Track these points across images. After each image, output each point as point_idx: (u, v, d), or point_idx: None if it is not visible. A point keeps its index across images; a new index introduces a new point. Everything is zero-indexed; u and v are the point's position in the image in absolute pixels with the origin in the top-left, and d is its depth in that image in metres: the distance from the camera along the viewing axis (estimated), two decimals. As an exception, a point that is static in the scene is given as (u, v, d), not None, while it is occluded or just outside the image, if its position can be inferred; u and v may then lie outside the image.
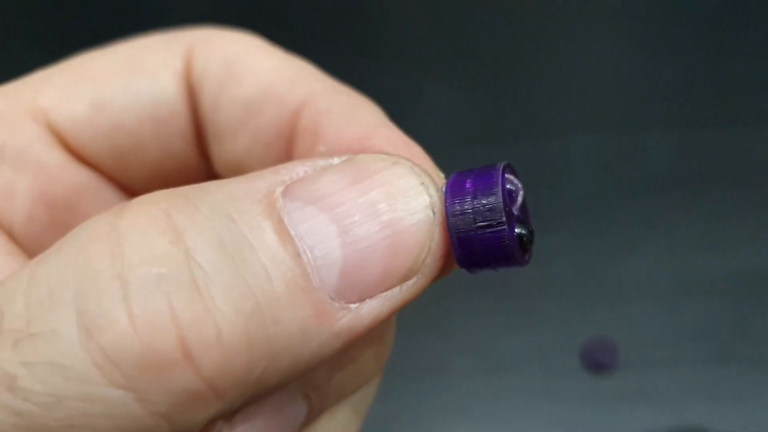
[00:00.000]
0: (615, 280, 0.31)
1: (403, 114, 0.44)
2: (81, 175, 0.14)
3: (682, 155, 0.39)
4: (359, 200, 0.10)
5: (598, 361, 0.29)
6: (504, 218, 0.11)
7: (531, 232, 0.12)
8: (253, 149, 0.14)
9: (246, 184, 0.10)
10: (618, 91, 0.44)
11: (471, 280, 0.32)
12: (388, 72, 0.46)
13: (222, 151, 0.14)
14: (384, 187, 0.10)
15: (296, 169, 0.11)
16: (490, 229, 0.11)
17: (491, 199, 0.11)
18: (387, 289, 0.10)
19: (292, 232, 0.10)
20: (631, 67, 0.46)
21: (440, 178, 0.12)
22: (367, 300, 0.10)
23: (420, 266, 0.11)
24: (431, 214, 0.11)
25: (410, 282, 0.11)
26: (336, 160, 0.11)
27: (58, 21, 0.56)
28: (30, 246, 0.13)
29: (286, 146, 0.13)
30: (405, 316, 0.31)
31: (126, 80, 0.14)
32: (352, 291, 0.10)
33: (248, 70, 0.13)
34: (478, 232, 0.11)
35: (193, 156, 0.14)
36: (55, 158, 0.13)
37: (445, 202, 0.11)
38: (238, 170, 0.14)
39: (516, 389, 0.29)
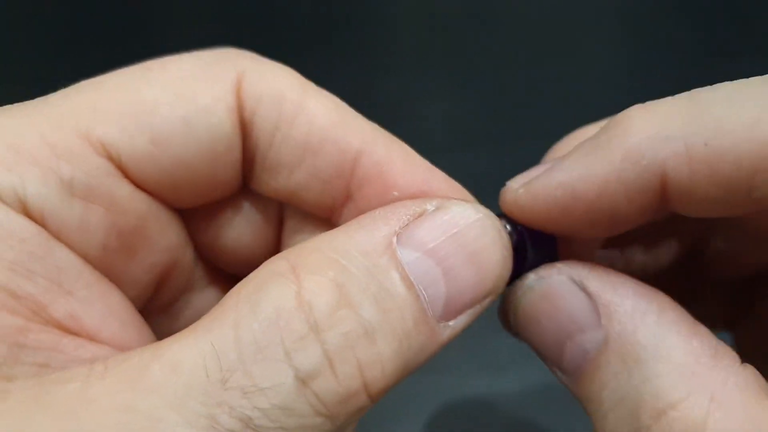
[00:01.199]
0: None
1: (402, 117, 0.45)
2: (144, 204, 0.15)
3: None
4: (457, 248, 0.14)
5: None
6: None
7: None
8: (310, 185, 0.16)
9: (368, 237, 0.14)
10: (615, 92, 0.44)
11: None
12: (387, 75, 0.46)
13: (275, 182, 0.16)
14: (473, 237, 0.14)
15: (401, 217, 0.14)
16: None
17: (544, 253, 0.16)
18: (473, 307, 0.14)
19: (412, 278, 0.13)
20: (629, 69, 0.46)
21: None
22: (460, 316, 0.14)
23: (494, 288, 0.15)
24: (506, 254, 0.15)
25: (487, 300, 0.15)
26: (429, 207, 0.14)
27: (62, 25, 0.56)
28: (104, 270, 0.15)
29: (344, 185, 0.16)
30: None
31: (183, 115, 0.14)
32: (452, 313, 0.14)
33: (300, 112, 0.15)
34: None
35: (237, 181, 0.16)
36: (123, 191, 0.14)
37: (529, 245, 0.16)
38: (290, 198, 0.16)
39: (514, 387, 0.29)
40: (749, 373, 0.14)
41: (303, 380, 0.12)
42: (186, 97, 0.15)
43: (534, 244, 0.16)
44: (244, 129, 0.15)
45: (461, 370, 0.30)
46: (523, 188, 0.16)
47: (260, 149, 0.15)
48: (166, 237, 0.16)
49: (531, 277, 0.16)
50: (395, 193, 0.16)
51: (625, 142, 0.15)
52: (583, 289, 0.15)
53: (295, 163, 0.15)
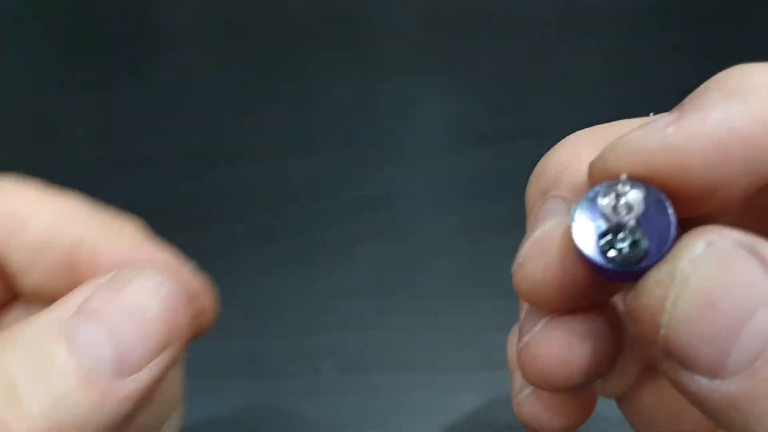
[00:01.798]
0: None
1: (402, 117, 0.45)
2: None
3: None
4: (118, 306, 0.15)
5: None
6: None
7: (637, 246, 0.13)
8: (48, 282, 0.18)
9: (47, 315, 0.15)
10: (613, 93, 0.44)
11: (465, 279, 0.33)
12: (389, 80, 0.46)
13: (23, 283, 0.18)
14: (133, 295, 0.15)
15: (81, 293, 0.15)
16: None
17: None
18: (150, 361, 0.15)
19: (78, 342, 0.14)
20: (625, 71, 0.46)
21: (187, 270, 0.18)
22: (141, 371, 0.14)
23: (174, 336, 0.15)
24: (169, 302, 0.15)
25: (165, 353, 0.15)
26: (106, 277, 0.15)
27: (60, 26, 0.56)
28: None
29: (72, 276, 0.18)
30: (401, 314, 0.32)
31: None
32: (127, 369, 0.14)
33: (29, 217, 0.17)
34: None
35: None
36: None
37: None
38: (41, 297, 0.18)
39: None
40: None
41: None
42: None
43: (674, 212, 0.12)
44: None
45: (460, 369, 0.30)
46: (673, 128, 0.13)
47: (2, 258, 0.17)
48: None
49: (699, 246, 0.12)
50: (102, 274, 0.17)
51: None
52: (755, 253, 0.11)
53: (29, 265, 0.17)
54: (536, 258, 0.13)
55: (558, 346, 0.14)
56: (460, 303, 0.32)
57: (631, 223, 0.12)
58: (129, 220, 0.18)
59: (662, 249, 0.12)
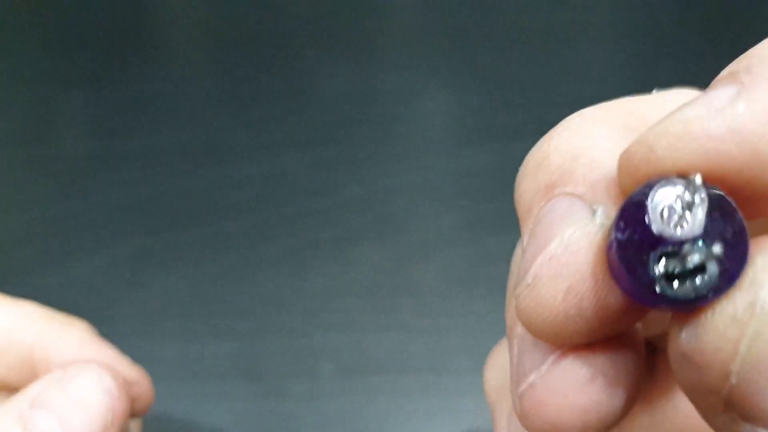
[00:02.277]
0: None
1: (404, 114, 0.44)
2: None
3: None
4: (67, 398, 0.18)
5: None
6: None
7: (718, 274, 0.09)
8: (10, 376, 0.20)
9: (7, 406, 0.18)
10: (618, 89, 0.44)
11: (466, 278, 0.33)
12: (388, 73, 0.46)
13: None
14: (78, 387, 0.18)
15: (36, 388, 0.18)
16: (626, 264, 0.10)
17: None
18: None
19: (33, 429, 0.17)
20: (627, 68, 0.46)
21: (130, 368, 0.21)
22: None
23: (111, 424, 0.18)
24: (102, 394, 0.18)
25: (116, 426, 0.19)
26: (59, 373, 0.18)
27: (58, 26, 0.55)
28: None
29: (31, 371, 0.20)
30: (400, 315, 0.31)
31: None
32: None
33: None
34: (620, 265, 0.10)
35: None
36: None
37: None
38: (6, 387, 0.21)
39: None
40: None
41: None
42: None
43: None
44: None
45: (461, 370, 0.30)
46: (743, 103, 0.09)
47: None
48: None
49: None
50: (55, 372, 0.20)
51: None
52: None
53: None
54: (554, 280, 0.10)
55: (576, 389, 0.11)
56: (460, 303, 0.32)
57: (699, 240, 0.09)
58: (77, 322, 0.21)
59: (737, 274, 0.09)
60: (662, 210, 0.09)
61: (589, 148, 0.11)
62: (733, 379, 0.09)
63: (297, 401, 0.29)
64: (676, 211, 0.09)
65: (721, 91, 0.10)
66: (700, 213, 0.09)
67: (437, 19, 0.51)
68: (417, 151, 0.40)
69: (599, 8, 0.51)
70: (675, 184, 0.09)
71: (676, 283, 0.09)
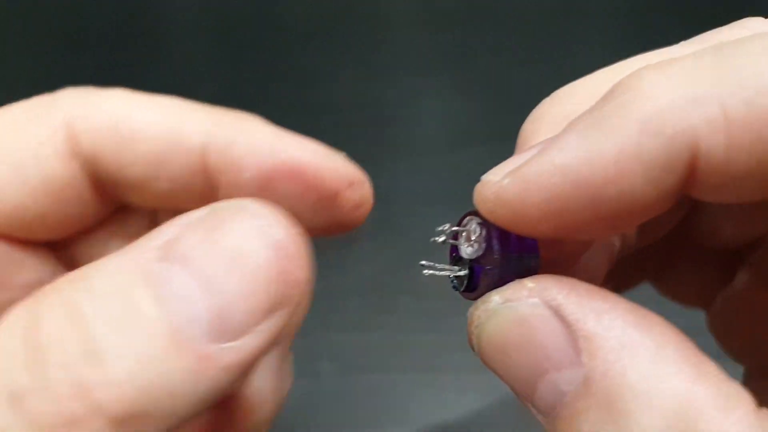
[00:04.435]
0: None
1: (404, 117, 0.45)
2: None
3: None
4: (213, 252, 0.12)
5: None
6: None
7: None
8: (173, 192, 0.15)
9: (127, 257, 0.12)
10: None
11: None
12: (389, 77, 0.46)
13: (141, 197, 0.16)
14: (239, 242, 0.12)
15: (166, 232, 0.12)
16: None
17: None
18: (257, 324, 0.12)
19: (165, 295, 0.11)
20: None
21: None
22: (245, 336, 0.12)
23: (281, 300, 0.12)
24: (283, 253, 0.12)
25: (277, 314, 0.12)
26: (198, 213, 0.12)
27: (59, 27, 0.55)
28: None
29: (204, 182, 0.15)
30: (401, 315, 0.31)
31: (13, 164, 0.15)
32: (227, 333, 0.11)
33: (137, 127, 0.15)
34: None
35: (99, 207, 0.16)
36: None
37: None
38: (165, 205, 0.16)
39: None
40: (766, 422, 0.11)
41: (15, 397, 0.11)
42: (14, 146, 0.15)
43: (512, 251, 0.14)
44: (86, 163, 0.15)
45: (461, 368, 0.30)
46: (509, 178, 0.13)
47: (110, 173, 0.15)
48: (20, 276, 0.15)
49: (495, 300, 0.13)
50: (247, 175, 0.15)
51: (642, 109, 0.11)
52: (560, 316, 0.12)
53: (149, 179, 0.15)
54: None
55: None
56: (459, 303, 0.32)
57: (466, 255, 0.14)
58: (251, 115, 0.16)
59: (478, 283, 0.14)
60: (449, 234, 0.15)
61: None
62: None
63: (298, 400, 0.29)
64: (461, 235, 0.15)
65: (520, 156, 0.14)
66: (465, 240, 0.15)
67: (437, 26, 0.51)
68: (417, 152, 0.40)
69: (597, 13, 0.51)
70: (465, 219, 0.15)
71: (456, 283, 0.16)
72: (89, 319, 0.11)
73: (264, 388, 0.16)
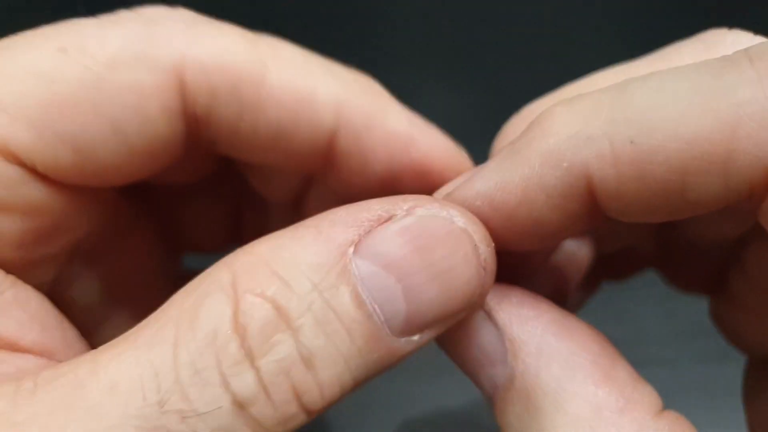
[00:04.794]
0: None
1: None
2: (65, 200, 0.14)
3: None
4: (421, 264, 0.12)
5: None
6: None
7: None
8: (288, 164, 0.15)
9: (320, 247, 0.12)
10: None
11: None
12: (388, 73, 0.46)
13: (248, 162, 0.15)
14: (442, 254, 0.12)
15: (363, 223, 0.12)
16: None
17: None
18: (439, 323, 0.13)
19: (365, 296, 0.12)
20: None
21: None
22: (426, 330, 0.13)
23: (467, 308, 0.13)
24: (482, 272, 0.13)
25: (459, 316, 0.13)
26: (399, 212, 0.12)
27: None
28: (20, 272, 0.14)
29: (322, 161, 0.15)
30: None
31: (111, 120, 0.12)
32: (414, 329, 0.13)
33: (261, 96, 0.13)
34: None
35: (192, 166, 0.15)
36: (39, 193, 0.13)
37: None
38: (271, 167, 0.15)
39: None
40: (663, 425, 0.12)
41: (240, 405, 0.12)
42: (113, 94, 0.12)
43: None
44: (199, 124, 0.14)
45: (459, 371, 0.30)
46: (443, 199, 0.14)
47: (222, 138, 0.14)
48: (87, 221, 0.15)
49: None
50: (377, 168, 0.15)
51: (543, 144, 0.13)
52: (492, 320, 0.14)
53: (266, 148, 0.14)
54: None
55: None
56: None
57: None
58: (383, 90, 0.15)
59: None
60: None
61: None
62: None
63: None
64: None
65: (465, 174, 0.15)
66: None
67: (437, 21, 0.51)
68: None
69: (596, 11, 0.51)
70: None
71: None
72: (296, 323, 0.12)
73: None
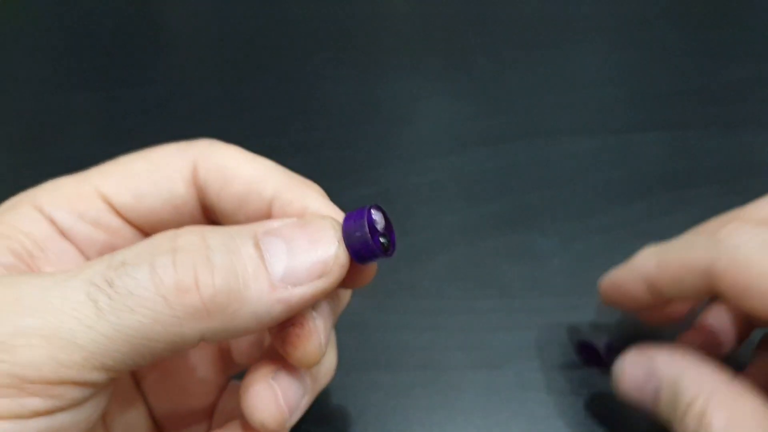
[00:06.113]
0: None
1: (405, 118, 0.45)
2: (130, 232, 0.22)
3: (671, 157, 0.39)
4: (301, 234, 0.19)
5: (594, 355, 0.29)
6: (367, 232, 0.19)
7: (388, 240, 0.20)
8: (247, 220, 0.22)
9: (243, 227, 0.19)
10: (611, 94, 0.44)
11: (464, 278, 0.33)
12: (390, 79, 0.47)
13: (227, 222, 0.22)
14: (314, 229, 0.19)
15: (272, 223, 0.19)
16: (362, 239, 0.19)
17: (359, 224, 0.19)
18: (310, 281, 0.18)
19: (262, 246, 0.18)
20: (622, 73, 0.46)
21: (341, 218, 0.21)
22: (299, 286, 0.18)
23: (329, 270, 0.19)
24: (336, 243, 0.19)
25: (324, 278, 0.19)
26: (292, 218, 0.20)
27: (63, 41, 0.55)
28: None
29: (265, 217, 0.22)
30: (401, 314, 0.32)
31: (154, 181, 0.22)
32: (291, 279, 0.18)
33: (235, 175, 0.21)
34: (356, 241, 0.19)
35: (196, 220, 0.23)
36: (115, 223, 0.22)
37: (342, 230, 0.20)
38: (238, 221, 0.22)
39: (510, 383, 0.30)
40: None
41: (152, 267, 0.17)
42: (157, 170, 0.22)
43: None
44: (199, 190, 0.22)
45: (460, 366, 0.30)
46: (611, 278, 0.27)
47: (211, 202, 0.22)
48: None
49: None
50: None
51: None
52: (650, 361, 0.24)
53: (236, 209, 0.22)
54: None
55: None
56: (459, 302, 0.32)
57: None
58: (314, 184, 0.22)
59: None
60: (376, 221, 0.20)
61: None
62: None
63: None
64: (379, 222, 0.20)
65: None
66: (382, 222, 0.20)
67: (437, 28, 0.52)
68: (417, 153, 0.41)
69: (593, 17, 0.51)
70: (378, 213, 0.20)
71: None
72: (210, 240, 0.18)
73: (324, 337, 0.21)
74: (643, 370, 0.23)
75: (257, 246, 0.18)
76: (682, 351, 0.23)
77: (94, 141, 0.43)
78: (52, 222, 0.21)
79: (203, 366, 0.25)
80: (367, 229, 0.19)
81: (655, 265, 0.24)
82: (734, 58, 0.46)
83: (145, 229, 0.22)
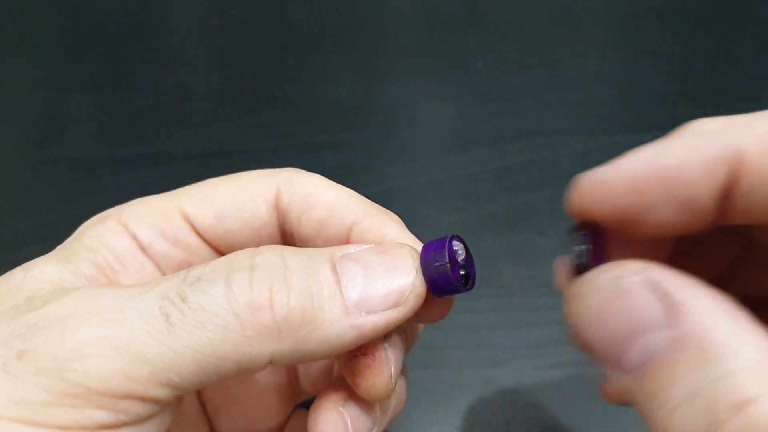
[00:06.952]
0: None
1: (404, 120, 0.45)
2: (207, 251, 0.22)
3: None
4: (378, 260, 0.19)
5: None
6: (447, 263, 0.19)
7: (468, 273, 0.19)
8: (326, 244, 0.22)
9: (322, 249, 0.19)
10: (610, 94, 0.44)
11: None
12: (390, 81, 0.47)
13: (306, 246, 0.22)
14: (392, 256, 0.19)
15: (350, 248, 0.19)
16: (441, 270, 0.19)
17: (440, 254, 0.19)
18: (384, 310, 0.18)
19: (339, 271, 0.18)
20: (621, 74, 0.46)
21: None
22: (372, 314, 0.18)
23: (405, 299, 0.18)
24: (414, 272, 0.19)
25: (399, 308, 0.18)
26: (372, 245, 0.19)
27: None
28: None
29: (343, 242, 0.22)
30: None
31: (237, 203, 0.22)
32: (365, 306, 0.18)
33: (318, 200, 0.21)
34: (435, 271, 0.19)
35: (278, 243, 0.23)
36: (193, 241, 0.22)
37: (421, 260, 0.19)
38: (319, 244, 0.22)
39: (510, 381, 0.30)
40: None
41: (228, 283, 0.17)
42: (241, 192, 0.22)
43: (599, 243, 0.19)
44: (280, 214, 0.22)
45: (460, 365, 0.30)
46: (608, 171, 0.20)
47: (291, 226, 0.22)
48: None
49: (603, 278, 0.17)
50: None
51: (700, 127, 0.18)
52: (659, 287, 0.16)
53: (315, 234, 0.22)
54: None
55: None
56: (459, 302, 0.32)
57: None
58: (393, 214, 0.22)
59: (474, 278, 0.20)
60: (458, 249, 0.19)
61: None
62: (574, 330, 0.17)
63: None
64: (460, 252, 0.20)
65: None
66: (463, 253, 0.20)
67: (436, 31, 0.52)
68: (417, 154, 0.41)
69: (592, 18, 0.52)
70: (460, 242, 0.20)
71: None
72: (289, 264, 0.18)
73: (396, 372, 0.21)
74: (651, 305, 0.16)
75: (334, 269, 0.18)
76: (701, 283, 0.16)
77: (95, 141, 0.43)
78: (134, 237, 0.21)
79: (270, 392, 0.25)
80: (447, 260, 0.18)
81: (650, 164, 0.18)
82: (732, 60, 0.46)
83: (222, 250, 0.22)
